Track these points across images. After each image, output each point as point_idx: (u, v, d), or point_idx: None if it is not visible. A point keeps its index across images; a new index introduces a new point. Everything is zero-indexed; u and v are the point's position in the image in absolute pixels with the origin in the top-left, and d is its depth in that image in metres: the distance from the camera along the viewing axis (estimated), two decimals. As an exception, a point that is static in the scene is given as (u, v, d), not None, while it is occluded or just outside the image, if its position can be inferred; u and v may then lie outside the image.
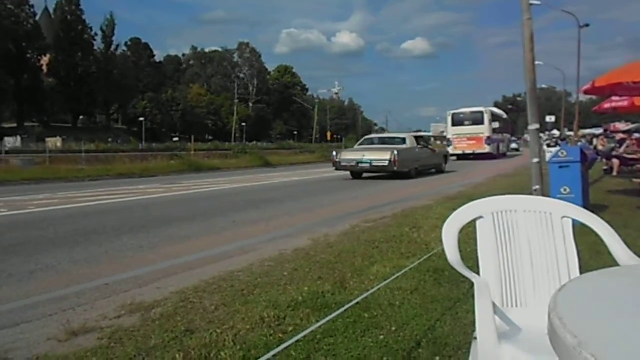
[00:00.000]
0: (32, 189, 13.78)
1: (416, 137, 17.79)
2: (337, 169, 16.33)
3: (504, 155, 31.46)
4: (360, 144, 17.78)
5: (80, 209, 9.31)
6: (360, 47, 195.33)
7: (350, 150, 17.69)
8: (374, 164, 15.40)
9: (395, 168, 15.10)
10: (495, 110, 34.00)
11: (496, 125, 30.13)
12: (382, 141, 17.41)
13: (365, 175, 14.30)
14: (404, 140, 16.79)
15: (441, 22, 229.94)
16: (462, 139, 28.05)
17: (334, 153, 17.03)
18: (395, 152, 15.16)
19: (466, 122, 29.48)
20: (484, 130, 28.62)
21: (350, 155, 16.30)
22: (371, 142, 17.69)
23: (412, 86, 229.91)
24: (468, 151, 28.19)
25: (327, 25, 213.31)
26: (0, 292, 3.90)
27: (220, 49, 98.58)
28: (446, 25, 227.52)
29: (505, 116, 36.41)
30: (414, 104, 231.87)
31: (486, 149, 28.22)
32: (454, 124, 30.06)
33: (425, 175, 16.56)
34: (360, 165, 15.70)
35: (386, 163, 15.12)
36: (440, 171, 18.36)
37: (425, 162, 17.24)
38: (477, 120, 29.18)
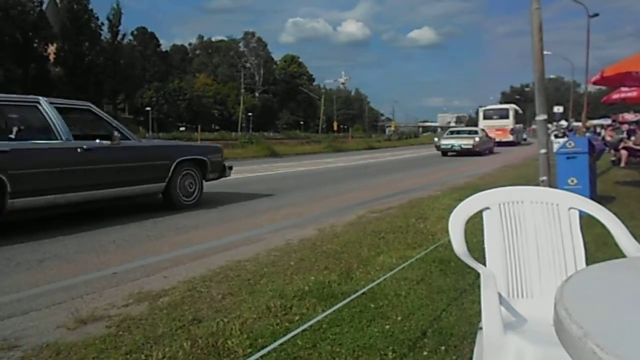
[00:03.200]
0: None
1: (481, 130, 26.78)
2: (437, 150, 24.67)
3: (519, 143, 37.28)
4: (450, 134, 26.22)
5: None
6: (366, 36, 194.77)
7: (445, 137, 25.54)
8: (463, 147, 23.22)
9: (477, 149, 23.19)
10: (515, 106, 41.16)
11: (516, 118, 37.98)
12: (465, 132, 25.96)
13: (372, 167, 15.41)
14: (477, 132, 25.42)
15: (448, 10, 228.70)
16: (491, 130, 32.44)
17: (436, 139, 28.67)
18: (477, 139, 23.75)
19: (494, 117, 37.15)
20: (509, 123, 36.36)
21: (446, 141, 24.50)
22: (458, 132, 26.39)
23: (419, 76, 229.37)
24: (497, 140, 33.02)
25: (333, 14, 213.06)
26: (10, 280, 3.94)
27: (226, 39, 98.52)
28: (453, 14, 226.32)
29: (520, 111, 43.31)
30: (421, 94, 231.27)
31: (510, 137, 35.13)
32: (484, 118, 37.46)
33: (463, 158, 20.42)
34: (453, 147, 23.61)
35: (470, 146, 23.17)
36: (492, 152, 25.80)
37: (488, 145, 25.49)
38: (503, 115, 37.16)
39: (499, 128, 34.44)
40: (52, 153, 5.86)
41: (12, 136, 5.67)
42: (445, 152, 23.87)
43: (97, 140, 6.53)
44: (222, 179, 8.55)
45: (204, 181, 7.93)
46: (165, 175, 7.22)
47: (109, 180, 6.48)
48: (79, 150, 6.10)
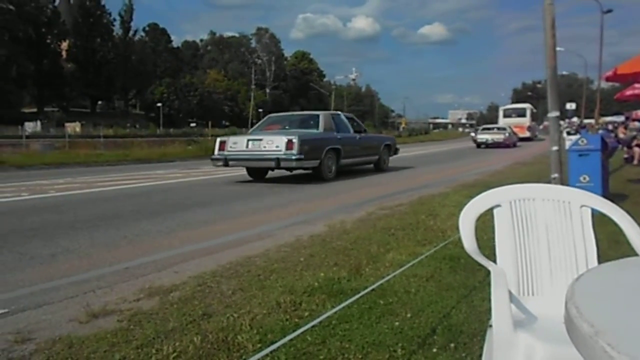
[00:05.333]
0: (53, 173, 13.98)
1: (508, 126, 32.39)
2: (474, 143, 30.48)
3: (533, 139, 40.23)
4: (484, 130, 32.32)
5: (99, 193, 9.44)
6: (376, 32, 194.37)
7: (480, 133, 31.46)
8: (495, 141, 28.96)
9: (506, 142, 28.89)
10: (531, 105, 45.35)
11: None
12: (495, 129, 31.72)
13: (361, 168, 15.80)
14: (505, 129, 31.15)
15: (459, 6, 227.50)
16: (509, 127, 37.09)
17: (472, 134, 36.59)
18: (507, 134, 29.89)
19: (513, 115, 41.62)
20: (526, 121, 40.66)
21: (481, 136, 30.46)
22: (489, 129, 32.04)
23: (429, 72, 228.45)
24: None
25: (342, 10, 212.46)
26: (23, 275, 3.99)
27: (237, 35, 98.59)
28: (464, 9, 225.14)
29: (534, 110, 47.23)
30: (431, 90, 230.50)
31: (527, 134, 38.64)
32: (504, 116, 41.76)
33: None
34: (487, 141, 29.14)
35: (501, 140, 28.91)
36: (515, 145, 30.53)
37: (513, 139, 30.81)
38: (521, 113, 41.78)
39: (517, 125, 37.57)
40: (349, 139, 11.99)
41: (337, 132, 11.59)
42: (479, 145, 29.50)
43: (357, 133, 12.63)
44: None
45: (388, 156, 14.23)
46: (378, 151, 13.45)
47: (363, 153, 12.76)
48: (357, 138, 12.44)
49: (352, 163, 12.21)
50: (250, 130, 12.88)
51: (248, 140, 10.84)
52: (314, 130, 11.15)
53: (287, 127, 11.83)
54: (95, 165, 17.76)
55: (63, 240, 5.16)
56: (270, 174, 11.66)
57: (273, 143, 10.35)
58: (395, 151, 14.88)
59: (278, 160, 10.08)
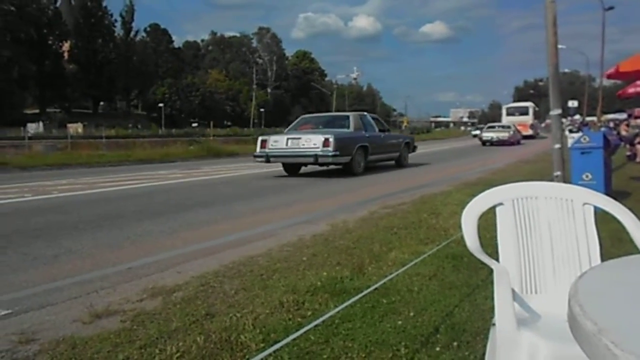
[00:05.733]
0: (55, 174, 14.02)
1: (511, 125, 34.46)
2: (480, 141, 31.86)
3: (535, 137, 41.80)
4: (489, 128, 34.32)
5: (102, 194, 9.46)
6: (377, 31, 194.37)
7: (486, 131, 33.09)
8: (500, 139, 30.40)
9: (510, 140, 30.56)
10: (533, 104, 47.46)
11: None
12: (500, 127, 33.51)
13: (382, 164, 16.04)
14: (509, 127, 32.98)
15: (461, 4, 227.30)
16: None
17: (479, 132, 37.79)
18: (511, 132, 31.70)
19: (516, 113, 43.36)
20: (529, 119, 42.81)
21: (486, 134, 31.86)
22: (494, 127, 33.91)
23: (431, 71, 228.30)
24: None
25: (344, 9, 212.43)
26: (26, 275, 4.00)
27: (238, 34, 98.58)
28: (466, 7, 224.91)
29: (537, 108, 50.20)
30: (433, 89, 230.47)
31: (530, 131, 40.48)
32: (507, 115, 43.43)
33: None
34: (492, 139, 30.56)
35: (505, 138, 30.47)
36: (519, 143, 32.12)
37: (517, 137, 32.68)
38: (524, 112, 43.86)
39: (520, 123, 39.36)
40: (375, 137, 13.24)
41: (365, 131, 12.90)
42: (484, 143, 30.89)
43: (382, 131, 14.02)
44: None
45: (407, 153, 15.51)
46: (399, 148, 14.77)
47: (387, 150, 14.06)
48: (382, 136, 13.80)
49: (377, 159, 13.56)
50: (286, 130, 14.01)
51: (287, 138, 12.10)
52: (346, 130, 12.46)
53: (320, 127, 13.02)
54: (98, 165, 17.79)
55: (66, 241, 5.17)
56: (271, 172, 11.67)
57: (311, 141, 11.63)
58: (414, 149, 16.21)
59: (316, 156, 11.44)
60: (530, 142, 33.68)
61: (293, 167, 12.76)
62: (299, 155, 11.92)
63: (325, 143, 11.32)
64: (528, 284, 1.84)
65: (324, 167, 12.61)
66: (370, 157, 12.80)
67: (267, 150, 12.20)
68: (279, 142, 12.15)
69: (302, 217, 6.44)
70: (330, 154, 11.28)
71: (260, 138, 12.90)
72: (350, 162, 11.90)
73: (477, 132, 46.30)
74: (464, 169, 13.48)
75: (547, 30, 4.81)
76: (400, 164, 14.73)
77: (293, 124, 14.09)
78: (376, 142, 13.14)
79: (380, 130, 13.78)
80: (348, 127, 12.55)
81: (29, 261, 4.43)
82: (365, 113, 14.32)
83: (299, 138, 11.91)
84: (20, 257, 4.58)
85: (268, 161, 12.18)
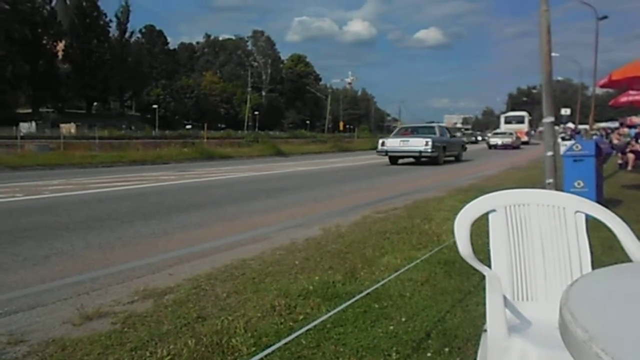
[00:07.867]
0: (47, 174, 13.93)
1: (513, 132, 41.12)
2: (487, 145, 38.82)
3: (528, 143, 46.40)
4: (495, 134, 40.86)
5: (94, 194, 9.41)
6: (372, 36, 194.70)
7: (492, 137, 39.65)
8: (505, 143, 36.38)
9: (514, 144, 36.47)
10: (527, 113, 53.35)
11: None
12: (503, 133, 39.71)
13: (379, 168, 17.48)
14: (512, 133, 39.11)
15: (455, 11, 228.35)
16: None
17: (488, 137, 45.07)
18: (513, 138, 37.83)
19: (513, 121, 48.68)
20: (525, 127, 48.43)
21: (493, 139, 38.13)
22: (499, 134, 39.97)
23: (425, 77, 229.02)
24: None
25: (339, 13, 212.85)
26: (16, 276, 3.97)
27: (233, 37, 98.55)
28: (460, 14, 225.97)
29: (530, 117, 55.22)
30: (427, 94, 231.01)
31: (525, 138, 45.50)
32: (505, 122, 49.04)
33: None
34: (497, 144, 36.72)
35: (509, 143, 36.48)
36: (519, 147, 37.59)
37: (518, 142, 38.27)
38: (520, 120, 49.59)
39: (517, 131, 43.69)
40: (448, 140, 19.86)
41: (443, 136, 19.48)
42: (491, 147, 36.93)
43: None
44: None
45: (462, 151, 21.77)
46: (458, 148, 21.33)
47: (453, 149, 20.24)
48: (451, 139, 20.69)
49: (449, 155, 19.57)
50: (392, 135, 20.35)
51: (400, 140, 18.54)
52: (434, 135, 18.54)
53: (416, 133, 19.02)
54: (90, 166, 17.71)
55: (57, 242, 5.14)
56: (265, 176, 11.63)
57: (417, 142, 17.88)
58: (465, 149, 22.99)
59: (420, 153, 17.77)
60: (524, 148, 38.24)
61: (397, 160, 18.86)
62: (408, 151, 18.12)
63: (427, 144, 17.48)
64: (519, 291, 1.85)
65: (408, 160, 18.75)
66: (446, 153, 18.95)
67: (385, 147, 18.53)
68: (393, 142, 18.61)
69: (295, 220, 6.43)
70: (429, 151, 17.49)
71: (380, 140, 19.48)
72: (437, 156, 17.90)
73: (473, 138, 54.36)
74: (457, 175, 13.49)
75: (541, 38, 4.84)
76: (458, 159, 20.88)
77: (395, 130, 21.38)
78: (448, 144, 19.54)
79: (450, 136, 20.79)
80: (435, 133, 18.83)
81: (19, 262, 4.40)
82: (441, 124, 23.73)
83: (408, 140, 18.28)
84: (10, 257, 4.54)
85: (387, 155, 18.57)
